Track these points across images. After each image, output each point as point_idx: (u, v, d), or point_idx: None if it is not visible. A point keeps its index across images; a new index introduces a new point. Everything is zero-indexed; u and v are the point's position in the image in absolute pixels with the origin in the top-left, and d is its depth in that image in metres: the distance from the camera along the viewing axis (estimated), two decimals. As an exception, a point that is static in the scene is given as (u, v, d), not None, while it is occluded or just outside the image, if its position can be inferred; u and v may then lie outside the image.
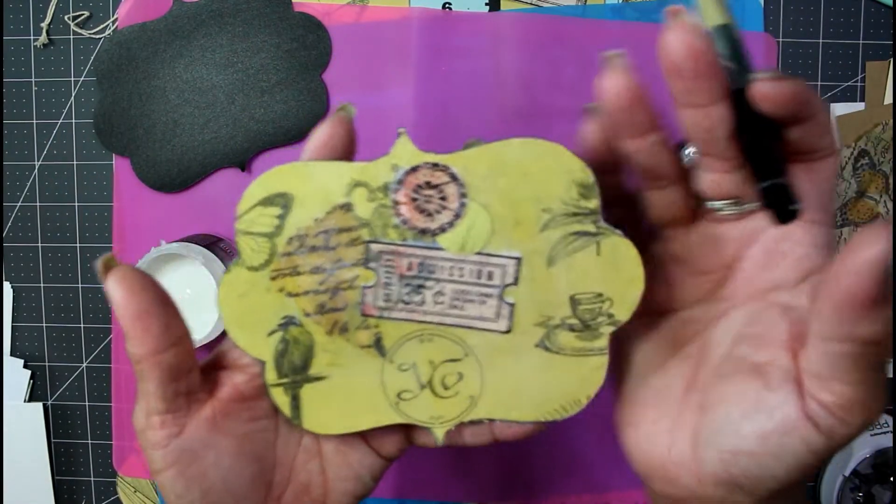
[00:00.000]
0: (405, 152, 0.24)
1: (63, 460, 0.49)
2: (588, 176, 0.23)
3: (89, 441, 0.49)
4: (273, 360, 0.25)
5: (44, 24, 0.47)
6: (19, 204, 0.48)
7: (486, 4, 0.47)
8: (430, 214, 0.24)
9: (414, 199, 0.24)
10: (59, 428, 0.49)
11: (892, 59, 0.47)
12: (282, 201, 0.24)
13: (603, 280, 0.24)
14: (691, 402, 0.23)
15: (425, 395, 0.25)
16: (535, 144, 0.23)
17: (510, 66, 0.47)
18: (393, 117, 0.47)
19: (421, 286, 0.24)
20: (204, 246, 0.42)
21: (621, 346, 0.26)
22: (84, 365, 0.49)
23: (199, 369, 0.24)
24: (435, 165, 0.24)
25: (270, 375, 0.25)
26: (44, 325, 0.49)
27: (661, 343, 0.25)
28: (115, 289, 0.22)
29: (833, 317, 0.18)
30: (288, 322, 0.24)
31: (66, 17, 0.47)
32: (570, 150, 0.23)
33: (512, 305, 0.24)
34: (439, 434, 0.25)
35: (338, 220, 0.24)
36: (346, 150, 0.24)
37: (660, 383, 0.24)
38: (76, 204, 0.48)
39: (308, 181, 0.24)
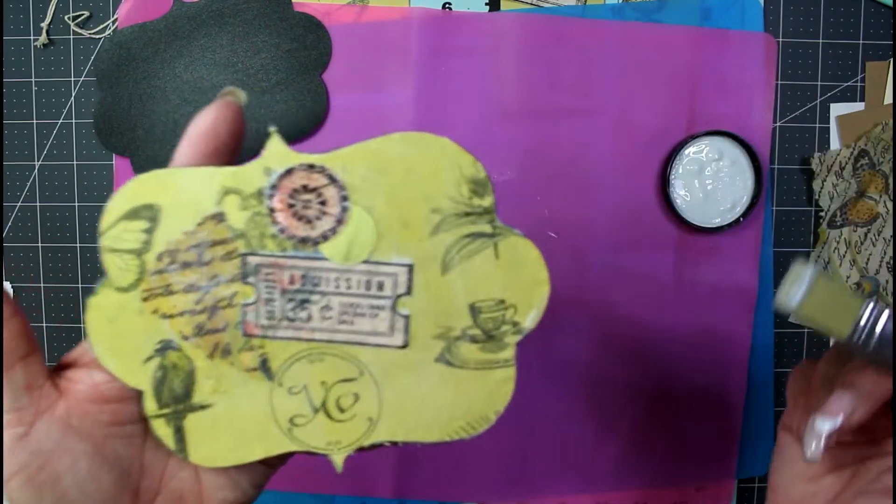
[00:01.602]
0: (278, 154, 0.22)
1: (63, 460, 0.49)
2: (479, 171, 0.21)
3: (89, 441, 0.49)
4: (152, 389, 0.22)
5: (44, 24, 0.47)
6: (19, 204, 0.48)
7: (486, 4, 0.47)
8: (309, 221, 0.22)
9: (291, 206, 0.22)
10: (59, 428, 0.49)
11: (892, 59, 0.47)
12: (148, 214, 0.22)
13: (504, 285, 0.22)
14: None
15: (320, 419, 0.23)
16: (417, 138, 0.21)
17: (510, 66, 0.47)
18: (393, 117, 0.47)
19: (306, 301, 0.22)
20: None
21: (789, 448, 0.29)
22: (84, 365, 0.49)
23: (38, 357, 0.22)
24: (311, 167, 0.22)
25: (150, 406, 0.22)
26: (44, 324, 0.49)
27: (825, 462, 0.28)
28: None
29: None
30: (165, 346, 0.22)
31: (66, 17, 0.47)
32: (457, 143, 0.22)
33: (407, 317, 0.22)
34: (338, 461, 0.23)
35: (210, 232, 0.22)
36: (231, 140, 0.23)
37: (811, 489, 0.28)
38: (76, 204, 0.48)
39: (175, 190, 0.22)
